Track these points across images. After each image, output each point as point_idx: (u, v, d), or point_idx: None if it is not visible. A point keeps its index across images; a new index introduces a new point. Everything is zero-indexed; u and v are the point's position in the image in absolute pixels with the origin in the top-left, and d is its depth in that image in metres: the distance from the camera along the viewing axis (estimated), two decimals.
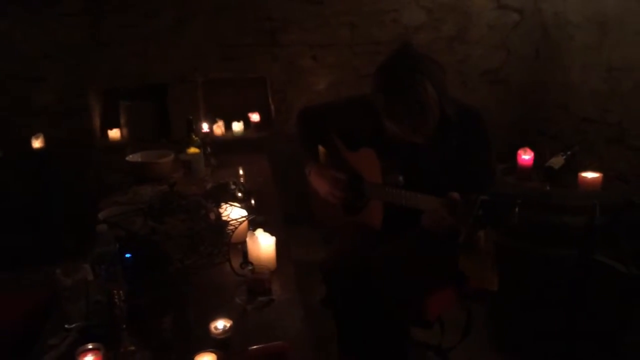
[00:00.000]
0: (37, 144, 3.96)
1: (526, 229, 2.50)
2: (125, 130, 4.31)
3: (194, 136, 2.96)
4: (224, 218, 2.11)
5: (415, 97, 1.83)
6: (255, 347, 1.41)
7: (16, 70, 4.01)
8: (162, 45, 4.09)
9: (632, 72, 3.21)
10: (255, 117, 4.34)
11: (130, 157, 3.01)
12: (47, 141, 4.02)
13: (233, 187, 2.36)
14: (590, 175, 2.53)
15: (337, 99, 2.52)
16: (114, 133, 4.27)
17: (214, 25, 4.09)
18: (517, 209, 1.60)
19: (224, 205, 2.18)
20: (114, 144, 4.22)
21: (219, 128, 4.27)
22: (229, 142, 4.15)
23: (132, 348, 1.44)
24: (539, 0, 4.10)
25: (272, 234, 1.94)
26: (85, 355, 1.36)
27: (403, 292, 1.96)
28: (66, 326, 1.58)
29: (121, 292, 1.50)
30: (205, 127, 3.98)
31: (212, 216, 2.11)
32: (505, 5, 4.20)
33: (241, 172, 2.70)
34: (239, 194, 2.30)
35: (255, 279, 1.75)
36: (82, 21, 3.99)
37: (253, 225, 2.07)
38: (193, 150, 2.92)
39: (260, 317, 1.64)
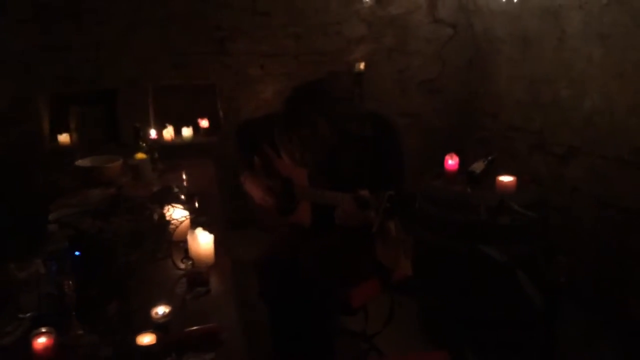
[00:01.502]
0: None
1: (447, 226, 2.77)
2: (75, 135, 4.34)
3: (141, 142, 3.09)
4: (166, 218, 2.28)
5: (302, 141, 2.16)
6: (191, 328, 1.59)
7: None
8: (113, 52, 4.17)
9: (550, 85, 3.50)
10: (204, 122, 4.48)
11: (79, 162, 3.08)
12: None
13: (176, 190, 2.53)
14: (505, 178, 2.80)
15: (271, 113, 2.74)
16: (64, 137, 4.29)
17: (165, 32, 4.21)
18: (417, 201, 1.88)
19: (167, 207, 2.35)
20: (64, 148, 4.24)
21: (168, 133, 4.38)
22: (178, 147, 4.26)
23: (81, 332, 1.61)
24: (471, 16, 4.38)
25: (211, 232, 2.12)
26: (39, 337, 1.51)
27: (328, 284, 2.18)
28: (20, 315, 1.71)
29: (70, 282, 1.66)
30: (153, 133, 4.09)
31: (156, 216, 2.28)
32: (441, 20, 4.47)
33: (184, 176, 2.87)
34: (182, 196, 2.47)
35: (194, 272, 1.93)
36: (32, 28, 4.02)
37: (194, 224, 2.25)
38: (140, 155, 3.04)
39: (197, 305, 1.80)
